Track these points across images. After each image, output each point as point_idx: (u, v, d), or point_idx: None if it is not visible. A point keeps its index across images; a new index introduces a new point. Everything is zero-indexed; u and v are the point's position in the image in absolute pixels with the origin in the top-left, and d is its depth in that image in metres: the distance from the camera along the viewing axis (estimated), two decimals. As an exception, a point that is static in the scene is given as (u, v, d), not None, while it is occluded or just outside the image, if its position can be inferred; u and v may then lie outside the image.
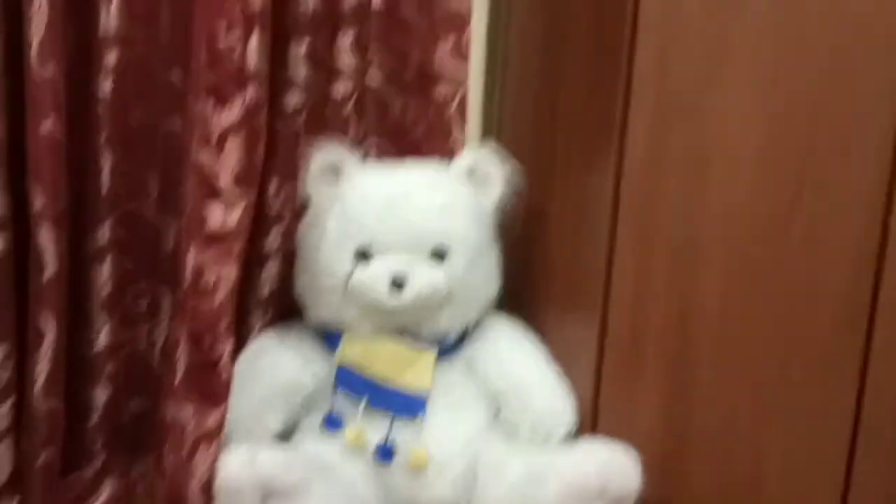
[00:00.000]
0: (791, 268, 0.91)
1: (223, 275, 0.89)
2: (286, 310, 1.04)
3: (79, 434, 0.95)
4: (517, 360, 1.01)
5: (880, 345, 0.90)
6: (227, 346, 0.89)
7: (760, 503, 0.95)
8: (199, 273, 0.89)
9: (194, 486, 0.87)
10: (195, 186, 0.89)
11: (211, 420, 0.89)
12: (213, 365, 0.89)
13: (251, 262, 1.00)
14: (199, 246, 0.89)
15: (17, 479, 0.86)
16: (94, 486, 0.95)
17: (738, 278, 0.92)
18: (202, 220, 0.89)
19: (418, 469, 0.94)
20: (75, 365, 0.93)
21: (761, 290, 0.92)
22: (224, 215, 0.89)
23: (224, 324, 0.89)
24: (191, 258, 0.89)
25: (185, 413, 0.89)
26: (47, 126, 0.83)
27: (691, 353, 0.95)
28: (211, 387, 0.89)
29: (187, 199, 0.90)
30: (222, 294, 0.89)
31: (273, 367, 0.99)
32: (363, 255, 0.96)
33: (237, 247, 0.90)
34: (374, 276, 0.95)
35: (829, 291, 0.90)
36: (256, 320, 1.04)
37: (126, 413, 0.99)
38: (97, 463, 0.96)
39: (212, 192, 0.88)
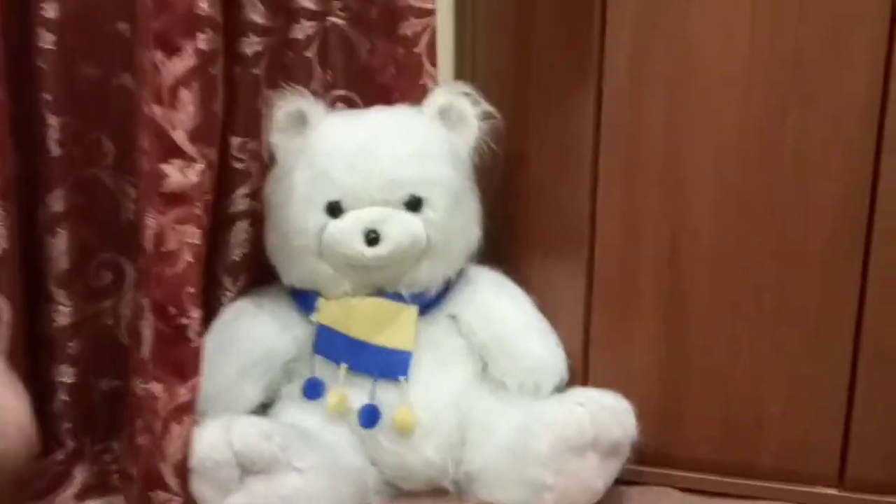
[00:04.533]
0: (783, 187, 0.87)
1: (186, 238, 0.83)
2: (259, 274, 1.00)
3: (46, 418, 0.90)
4: (502, 311, 0.97)
5: (879, 262, 0.86)
6: (194, 315, 0.84)
7: (762, 445, 0.92)
8: (159, 238, 0.83)
9: (169, 465, 0.83)
10: (150, 144, 0.83)
11: (183, 394, 0.83)
12: (181, 335, 0.83)
13: (218, 225, 0.95)
14: (158, 208, 0.83)
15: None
16: (65, 472, 0.90)
17: (730, 204, 0.88)
18: (159, 180, 0.83)
19: (404, 431, 0.91)
20: (36, 345, 0.88)
21: (754, 214, 0.88)
22: (183, 174, 0.83)
23: (190, 290, 0.83)
24: (150, 222, 0.84)
25: (154, 388, 0.84)
26: (-16, 86, 0.77)
27: (685, 290, 0.91)
28: (180, 359, 0.84)
29: (142, 159, 0.84)
30: (186, 259, 0.83)
31: (249, 334, 0.95)
32: (334, 210, 0.91)
33: (199, 207, 0.84)
34: (348, 230, 0.90)
35: (823, 209, 0.86)
36: (228, 287, 0.99)
37: (96, 393, 0.94)
38: (68, 448, 0.91)
39: (168, 148, 0.82)
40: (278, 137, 0.94)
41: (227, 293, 0.99)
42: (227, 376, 0.92)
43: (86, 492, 0.90)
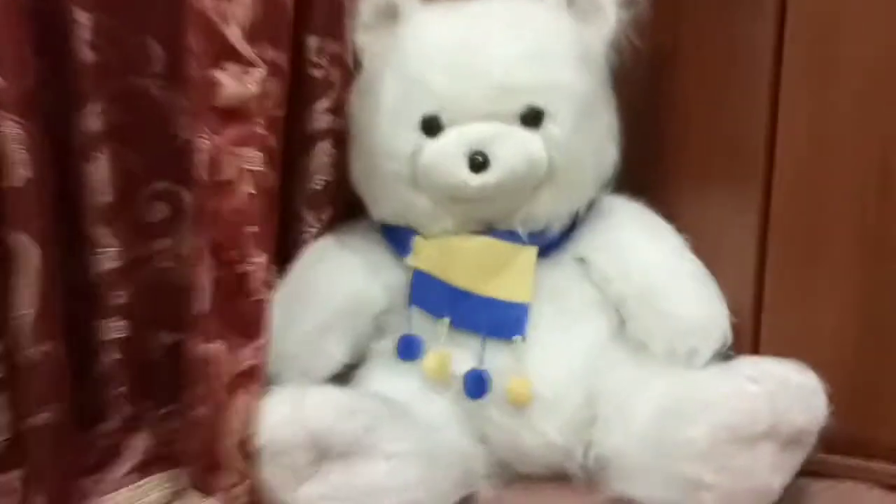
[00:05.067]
0: None
1: (246, 164, 0.68)
2: (348, 206, 0.83)
3: (94, 380, 0.76)
4: (646, 253, 0.77)
5: None
6: (259, 259, 0.68)
7: None
8: (214, 163, 0.68)
9: (232, 442, 0.68)
10: (198, 44, 0.67)
11: (246, 357, 0.69)
12: (242, 285, 0.68)
13: (295, 148, 0.79)
14: (211, 126, 0.67)
15: (17, 445, 0.68)
16: (120, 443, 0.77)
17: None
18: (211, 91, 0.67)
19: (519, 404, 0.73)
20: (77, 295, 0.73)
21: None
22: (240, 82, 0.67)
23: (252, 229, 0.68)
24: (203, 143, 0.68)
25: (215, 349, 0.69)
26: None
27: (893, 232, 0.68)
28: (243, 314, 0.69)
29: (191, 63, 0.68)
30: (247, 189, 0.68)
31: (333, 279, 0.79)
32: (432, 126, 0.73)
33: (262, 125, 0.68)
34: (447, 151, 0.72)
35: None
36: (310, 222, 0.83)
37: (156, 349, 0.79)
38: (124, 414, 0.78)
39: (220, 50, 0.66)
40: (364, 37, 0.78)
41: (310, 230, 0.83)
42: (305, 330, 0.77)
43: (146, 464, 0.76)
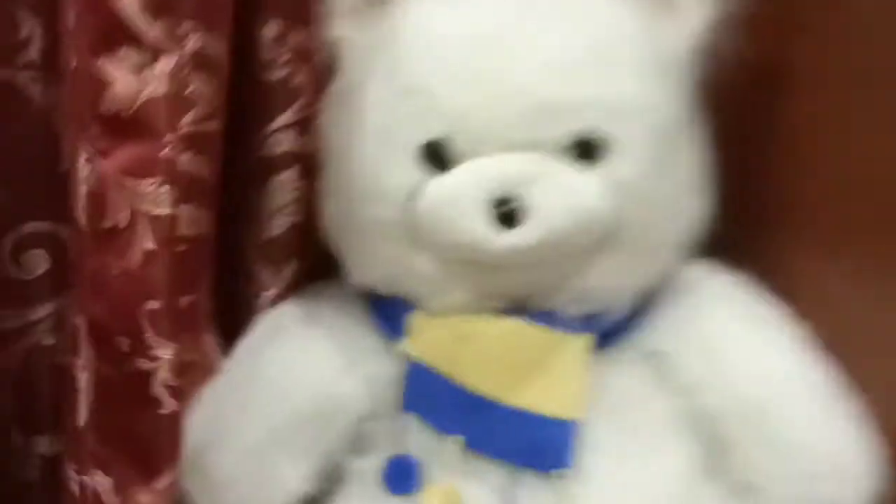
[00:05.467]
0: None
1: (145, 205, 0.46)
2: (318, 261, 0.62)
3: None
4: (749, 352, 0.56)
5: None
6: (163, 352, 0.47)
7: None
8: (95, 200, 0.46)
9: None
10: (80, 19, 0.45)
11: (145, 499, 0.46)
12: (139, 391, 0.47)
13: (244, 179, 0.59)
14: (95, 144, 0.46)
15: None
16: None
17: None
18: (96, 90, 0.45)
19: (564, 573, 0.51)
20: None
21: None
22: (138, 77, 0.45)
23: (152, 305, 0.46)
24: (83, 170, 0.46)
25: (98, 484, 0.48)
26: None
27: None
28: (135, 434, 0.47)
29: (70, 49, 0.46)
30: (146, 245, 0.45)
31: (292, 369, 0.58)
32: (438, 157, 0.52)
33: (173, 144, 0.47)
34: (461, 195, 0.51)
35: None
36: (263, 284, 0.62)
37: (28, 462, 0.58)
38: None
39: (109, 27, 0.45)
40: (344, 25, 0.57)
41: (265, 293, 0.62)
42: (248, 445, 0.56)
43: None
